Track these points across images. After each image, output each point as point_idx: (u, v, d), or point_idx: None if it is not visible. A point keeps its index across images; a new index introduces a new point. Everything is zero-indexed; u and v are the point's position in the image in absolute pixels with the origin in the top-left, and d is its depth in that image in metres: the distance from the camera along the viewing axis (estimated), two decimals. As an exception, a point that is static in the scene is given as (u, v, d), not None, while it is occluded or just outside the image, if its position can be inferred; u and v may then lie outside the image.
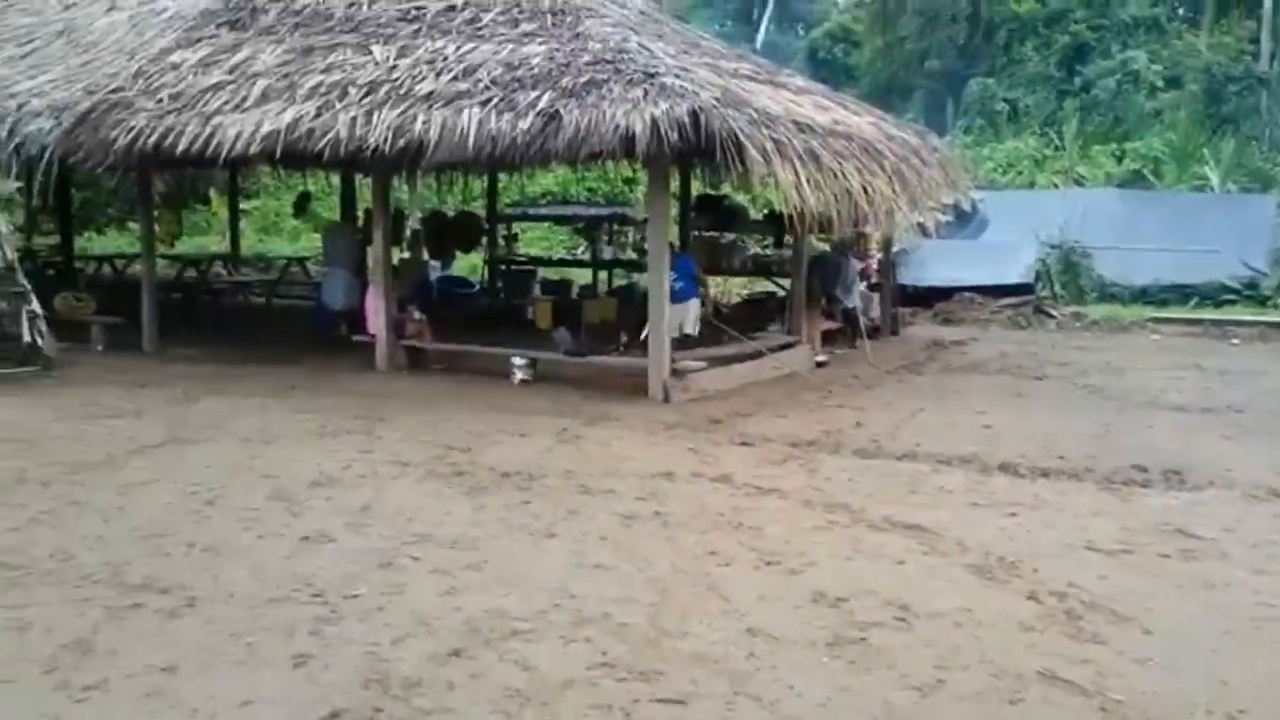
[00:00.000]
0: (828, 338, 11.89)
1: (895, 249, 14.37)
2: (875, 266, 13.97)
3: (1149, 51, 29.73)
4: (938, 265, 16.62)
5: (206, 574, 4.69)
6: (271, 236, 23.11)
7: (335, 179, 16.80)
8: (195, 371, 9.89)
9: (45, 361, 9.55)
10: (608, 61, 9.03)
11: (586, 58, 9.15)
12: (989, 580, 4.74)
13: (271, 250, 21.06)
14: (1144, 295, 16.26)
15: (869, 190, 9.39)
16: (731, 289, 16.07)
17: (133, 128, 9.55)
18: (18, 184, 11.16)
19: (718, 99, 8.35)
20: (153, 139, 9.46)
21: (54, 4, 12.52)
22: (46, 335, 9.62)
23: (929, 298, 16.12)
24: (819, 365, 10.85)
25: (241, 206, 20.16)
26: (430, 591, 4.50)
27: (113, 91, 9.99)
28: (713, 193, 14.47)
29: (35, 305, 9.56)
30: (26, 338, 9.47)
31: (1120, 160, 25.14)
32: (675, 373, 8.99)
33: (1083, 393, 9.72)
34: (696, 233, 13.36)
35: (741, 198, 15.51)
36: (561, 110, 8.47)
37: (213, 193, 21.62)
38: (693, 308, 10.64)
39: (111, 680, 3.66)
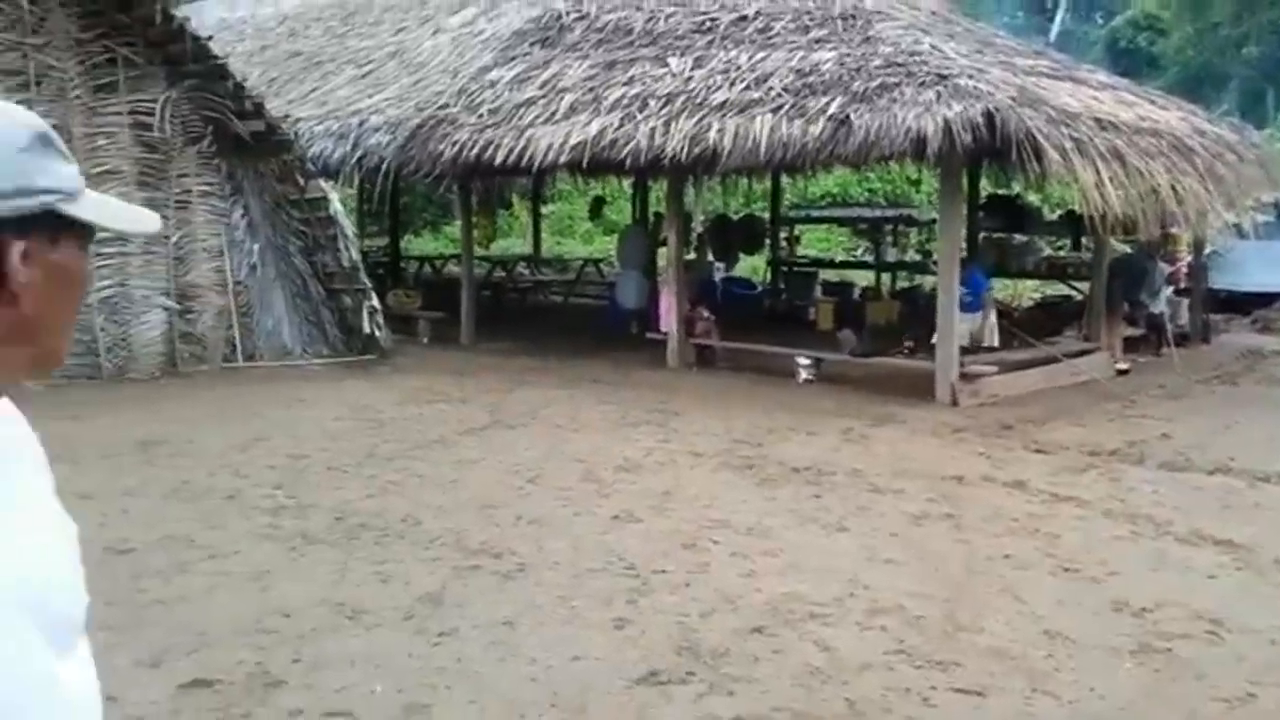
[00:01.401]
0: (1130, 345, 11.31)
1: (1207, 251, 13.42)
2: (1184, 270, 13.12)
3: None
4: (1256, 269, 15.30)
5: (532, 543, 5.24)
6: (566, 239, 24.47)
7: (626, 184, 17.64)
8: (507, 364, 10.77)
9: (382, 351, 10.73)
10: (899, 64, 9.08)
11: (877, 61, 9.24)
12: (1312, 601, 4.51)
13: (567, 252, 22.33)
14: None
15: (1178, 189, 8.93)
16: (1023, 292, 15.54)
17: (456, 141, 10.54)
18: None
19: (1013, 98, 8.22)
20: (474, 151, 10.41)
21: (387, 28, 13.94)
22: (383, 328, 10.80)
23: (1246, 304, 14.91)
24: (1120, 373, 10.36)
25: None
26: (731, 572, 4.82)
27: (439, 108, 11.06)
28: (1003, 193, 14.07)
29: (374, 301, 10.76)
30: (366, 330, 10.67)
31: None
32: (964, 376, 8.91)
33: None
34: (986, 234, 13.06)
35: (1034, 197, 14.98)
36: (852, 115, 8.61)
37: (514, 198, 23.19)
38: (984, 320, 10.39)
39: (461, 629, 4.21)
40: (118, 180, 9.49)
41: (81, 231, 0.99)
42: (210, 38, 10.06)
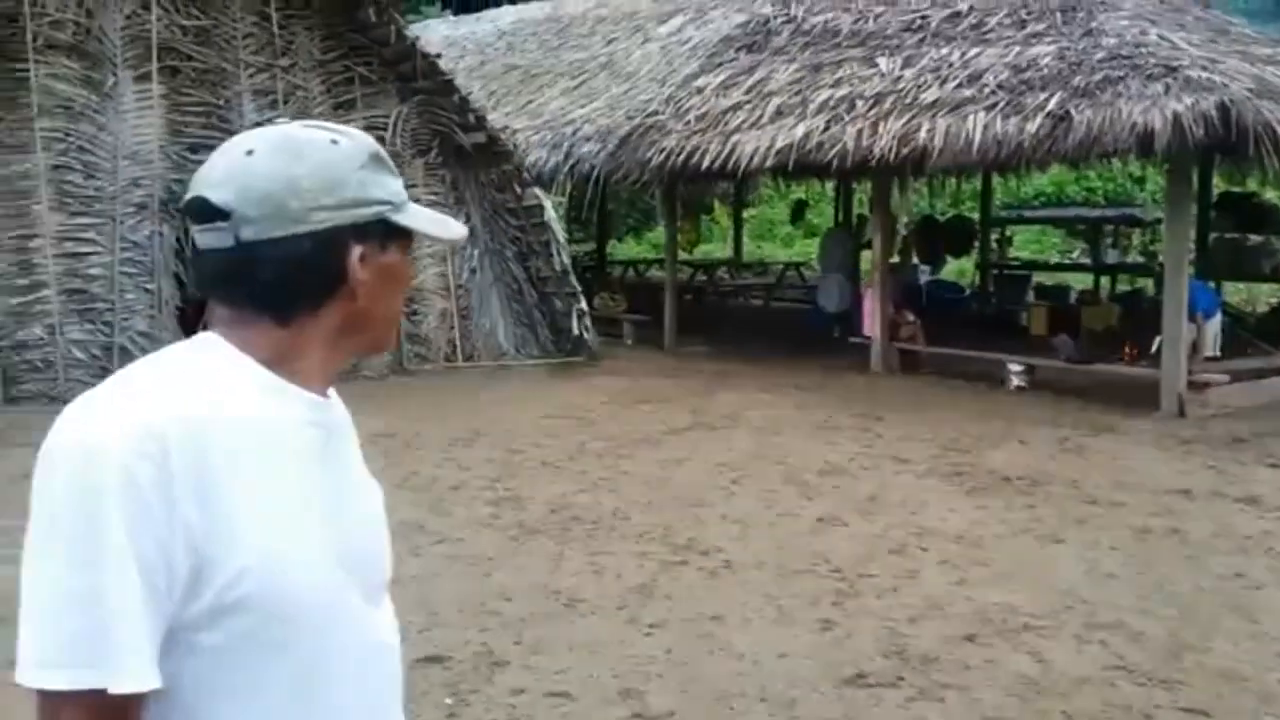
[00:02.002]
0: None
1: None
2: None
3: None
4: None
5: (738, 542, 5.34)
6: (766, 242, 24.48)
7: (829, 187, 17.50)
8: (709, 366, 10.93)
9: (589, 353, 11.10)
10: (1123, 57, 8.69)
11: (1100, 54, 8.86)
12: None
13: (767, 256, 22.34)
14: None
15: None
16: (1259, 296, 14.48)
17: (664, 148, 10.78)
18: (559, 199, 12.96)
19: (1250, 90, 7.74)
20: (681, 157, 10.62)
21: (598, 39, 14.37)
22: (590, 330, 11.17)
23: None
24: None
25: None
26: (940, 579, 4.78)
27: (648, 116, 11.33)
28: (1238, 190, 13.16)
29: (583, 304, 11.14)
30: (575, 331, 11.07)
31: None
32: (1192, 385, 8.42)
33: None
34: (1217, 234, 12.25)
35: (1271, 194, 13.93)
36: (1072, 110, 8.30)
37: (715, 203, 23.39)
38: (1209, 328, 9.78)
39: (670, 621, 4.36)
40: (353, 191, 10.23)
41: (406, 237, 1.16)
42: (439, 55, 10.68)
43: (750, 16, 12.02)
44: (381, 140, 10.14)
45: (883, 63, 10.19)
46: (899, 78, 9.85)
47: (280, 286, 1.07)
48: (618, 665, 3.92)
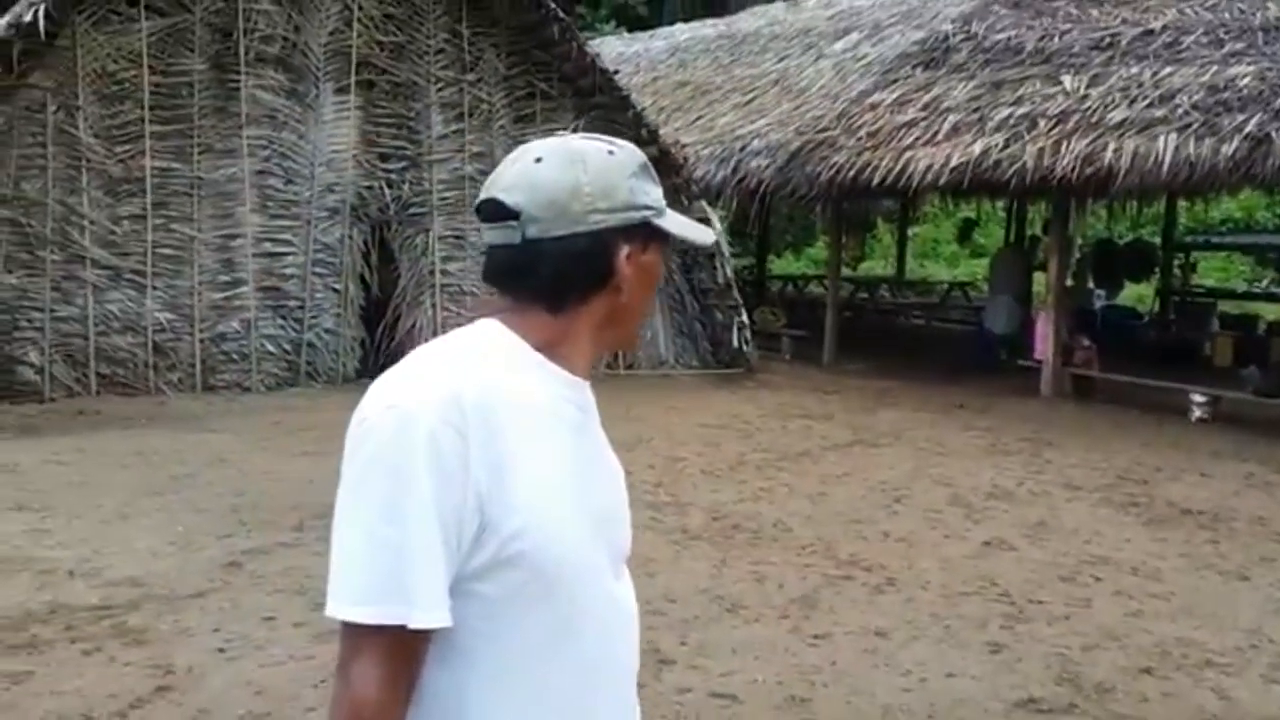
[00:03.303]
0: None
1: None
2: None
3: None
4: None
5: (901, 560, 5.31)
6: (930, 261, 24.03)
7: (998, 206, 17.06)
8: (868, 384, 10.82)
9: (748, 366, 11.16)
10: (1332, 78, 8.23)
11: (1305, 75, 8.42)
12: None
13: (930, 275, 21.92)
14: None
15: None
16: None
17: (835, 164, 10.75)
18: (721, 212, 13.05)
19: None
20: (851, 173, 10.57)
21: (771, 56, 14.43)
22: (750, 343, 11.22)
23: None
24: None
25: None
26: (1115, 610, 4.64)
27: (819, 132, 11.32)
28: None
29: (744, 317, 11.20)
30: (735, 344, 11.14)
31: None
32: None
33: None
34: None
35: None
36: (1274, 133, 7.92)
37: (878, 220, 23.10)
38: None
39: (834, 634, 4.37)
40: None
41: (663, 240, 1.27)
42: (616, 71, 10.95)
43: (929, 33, 11.86)
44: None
45: (1067, 81, 9.91)
46: (1085, 96, 9.56)
47: (557, 279, 1.20)
48: (783, 672, 3.96)
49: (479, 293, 10.40)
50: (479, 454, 1.10)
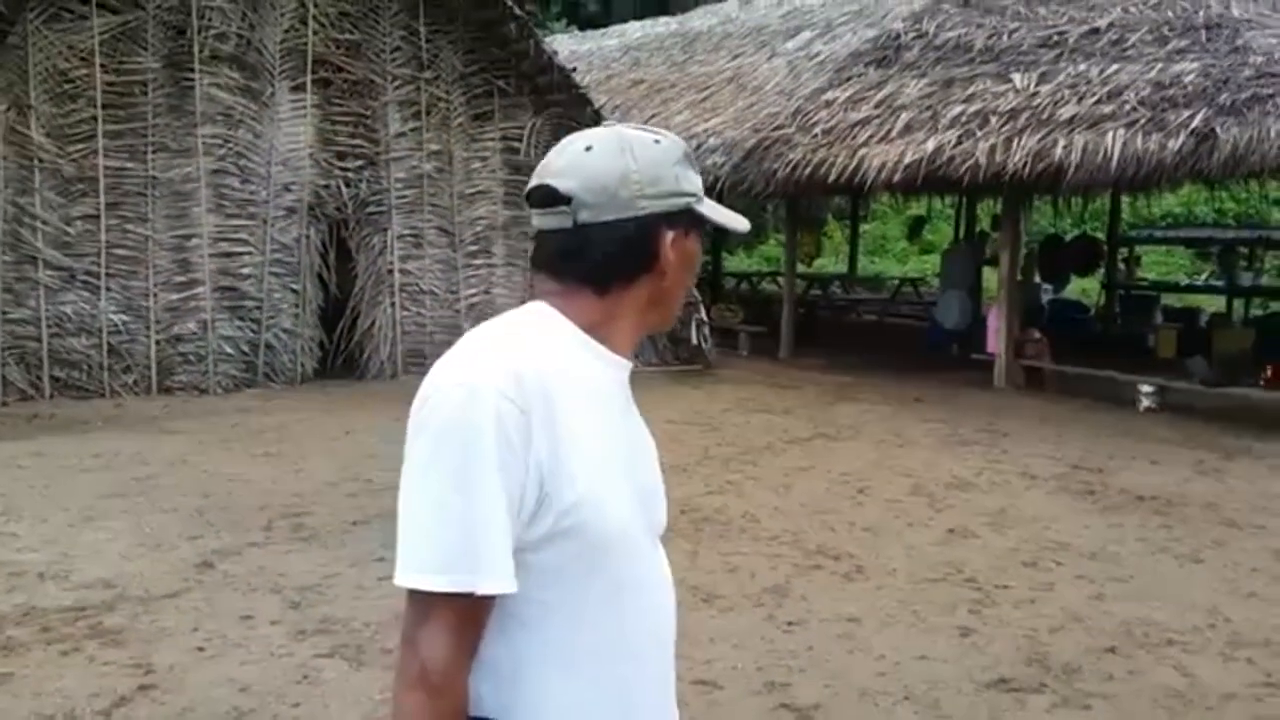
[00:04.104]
0: None
1: None
2: None
3: None
4: None
5: (869, 549, 5.41)
6: (880, 257, 24.32)
7: (947, 203, 17.33)
8: (825, 379, 10.97)
9: (706, 362, 11.25)
10: (1273, 74, 8.52)
11: (1248, 72, 8.69)
12: None
13: (881, 271, 22.20)
14: None
15: None
16: None
17: (790, 161, 10.87)
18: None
19: None
20: (807, 170, 10.70)
21: (724, 54, 14.54)
22: (709, 340, 11.31)
23: None
24: None
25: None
26: (1078, 594, 4.78)
27: (774, 129, 11.44)
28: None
29: (703, 314, 11.29)
30: (694, 341, 11.22)
31: None
32: (1337, 412, 8.17)
33: None
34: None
35: None
36: (1218, 129, 8.16)
37: (829, 217, 23.33)
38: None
39: (809, 621, 4.46)
40: (488, 199, 10.59)
41: (702, 226, 1.33)
42: (574, 69, 10.97)
43: (880, 32, 12.03)
44: (516, 150, 10.48)
45: (1017, 78, 10.11)
46: (1034, 94, 9.77)
47: (605, 262, 1.26)
48: (761, 659, 4.04)
49: (437, 292, 10.38)
50: (540, 430, 1.15)
